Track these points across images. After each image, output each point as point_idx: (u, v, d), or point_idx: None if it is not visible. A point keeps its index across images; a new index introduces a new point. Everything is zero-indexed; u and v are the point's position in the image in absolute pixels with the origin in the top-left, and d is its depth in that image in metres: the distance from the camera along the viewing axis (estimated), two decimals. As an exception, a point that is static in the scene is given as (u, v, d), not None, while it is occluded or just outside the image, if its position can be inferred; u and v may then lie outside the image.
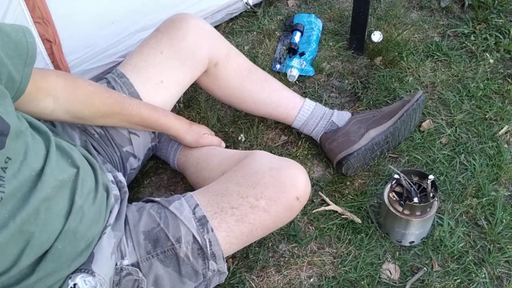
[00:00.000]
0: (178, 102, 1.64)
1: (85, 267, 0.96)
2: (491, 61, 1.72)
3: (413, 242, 1.32)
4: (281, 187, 1.10)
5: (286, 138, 1.57)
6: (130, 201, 1.17)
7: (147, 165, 1.53)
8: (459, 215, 1.37)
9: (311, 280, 1.29)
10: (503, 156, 1.47)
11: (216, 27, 1.82)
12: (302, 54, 1.73)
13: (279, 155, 1.32)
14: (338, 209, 1.39)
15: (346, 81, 1.72)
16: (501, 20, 1.83)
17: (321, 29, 1.86)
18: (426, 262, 1.30)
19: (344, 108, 1.62)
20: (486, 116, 1.58)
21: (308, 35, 1.80)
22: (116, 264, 1.02)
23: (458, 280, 1.26)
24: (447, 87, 1.67)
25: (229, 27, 1.90)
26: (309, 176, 1.45)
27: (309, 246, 1.34)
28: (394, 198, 1.27)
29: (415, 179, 1.29)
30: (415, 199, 1.23)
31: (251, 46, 1.84)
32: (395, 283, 1.27)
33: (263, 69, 1.49)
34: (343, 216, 1.38)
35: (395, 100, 1.62)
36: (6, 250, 0.84)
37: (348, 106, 1.65)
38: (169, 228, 1.06)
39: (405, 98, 1.51)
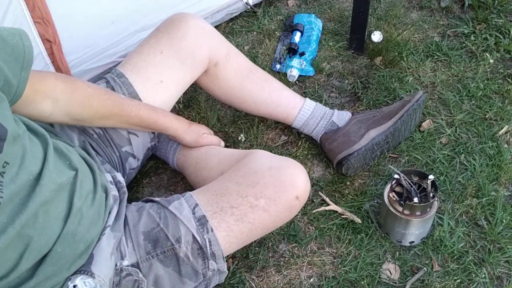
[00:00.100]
0: (178, 102, 1.64)
1: (85, 269, 0.96)
2: (491, 61, 1.72)
3: (413, 242, 1.32)
4: (280, 187, 1.10)
5: (286, 138, 1.57)
6: (130, 201, 1.17)
7: (147, 165, 1.53)
8: (459, 215, 1.37)
9: (311, 280, 1.29)
10: (503, 156, 1.47)
11: (216, 27, 1.82)
12: (302, 54, 1.73)
13: (279, 155, 1.32)
14: (338, 209, 1.39)
15: (346, 81, 1.72)
16: (501, 20, 1.83)
17: (321, 29, 1.86)
18: (426, 262, 1.30)
19: (344, 108, 1.62)
20: (486, 116, 1.58)
21: (308, 35, 1.80)
22: (116, 265, 1.02)
23: (458, 280, 1.26)
24: (447, 87, 1.67)
25: (229, 27, 1.90)
26: (309, 176, 1.45)
27: (309, 246, 1.34)
28: (394, 198, 1.27)
29: (415, 179, 1.29)
30: (415, 199, 1.23)
31: (251, 46, 1.84)
32: (395, 283, 1.27)
33: (263, 69, 1.49)
34: (343, 216, 1.38)
35: (395, 100, 1.62)
36: (5, 255, 0.84)
37: (348, 106, 1.65)
38: (169, 228, 1.06)
39: (405, 98, 1.51)
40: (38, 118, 1.05)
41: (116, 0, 1.57)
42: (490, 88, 1.64)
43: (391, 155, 1.51)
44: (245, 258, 1.33)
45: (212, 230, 1.07)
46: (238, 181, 1.11)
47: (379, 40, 1.77)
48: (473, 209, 1.38)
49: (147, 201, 1.16)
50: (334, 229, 1.37)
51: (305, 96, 1.51)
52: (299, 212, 1.39)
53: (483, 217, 1.37)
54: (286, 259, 1.32)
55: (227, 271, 1.12)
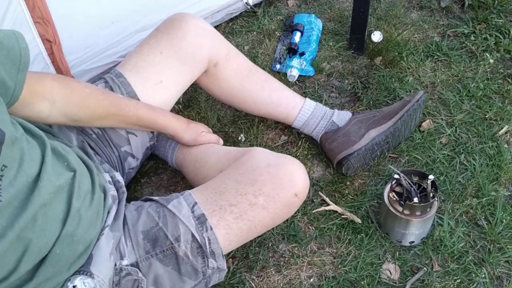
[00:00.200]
0: (178, 102, 1.64)
1: (84, 269, 0.96)
2: (491, 61, 1.72)
3: (413, 242, 1.32)
4: (279, 184, 1.10)
5: (286, 138, 1.57)
6: (129, 200, 1.17)
7: (147, 165, 1.53)
8: (459, 215, 1.37)
9: (311, 280, 1.29)
10: (503, 156, 1.47)
11: (216, 27, 1.82)
12: (302, 54, 1.73)
13: (277, 153, 1.31)
14: (338, 209, 1.39)
15: (346, 81, 1.72)
16: (501, 20, 1.83)
17: (321, 29, 1.86)
18: (426, 262, 1.30)
19: (344, 108, 1.62)
20: (486, 116, 1.58)
21: (308, 35, 1.80)
22: (116, 265, 1.02)
23: (458, 280, 1.26)
24: (447, 87, 1.67)
25: (229, 27, 1.90)
26: (309, 176, 1.45)
27: (309, 246, 1.34)
28: (394, 198, 1.27)
29: (415, 179, 1.29)
30: (415, 199, 1.23)
31: (251, 46, 1.84)
32: (395, 283, 1.27)
33: (263, 69, 1.49)
34: (343, 216, 1.38)
35: (395, 100, 1.62)
36: (5, 258, 0.84)
37: (348, 106, 1.65)
38: (168, 227, 1.06)
39: (405, 98, 1.51)
40: (36, 119, 1.05)
41: (116, 0, 1.57)
42: (490, 88, 1.64)
43: (391, 155, 1.51)
44: (245, 258, 1.33)
45: (211, 229, 1.07)
46: (236, 179, 1.11)
47: (379, 40, 1.77)
48: (473, 209, 1.38)
49: (146, 200, 1.16)
50: (334, 229, 1.37)
51: (305, 96, 1.51)
52: (299, 212, 1.39)
53: (483, 217, 1.37)
54: (286, 259, 1.32)
55: (226, 269, 1.12)
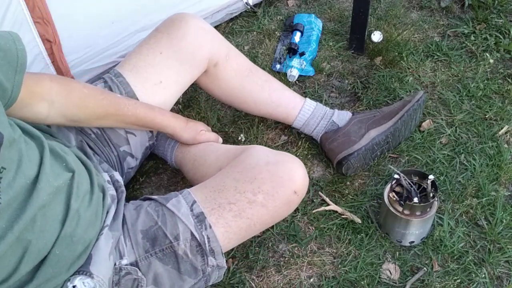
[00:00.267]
0: (177, 102, 1.64)
1: (84, 269, 0.96)
2: (491, 61, 1.72)
3: (413, 242, 1.32)
4: (278, 182, 1.10)
5: (286, 138, 1.57)
6: (129, 200, 1.17)
7: (147, 164, 1.53)
8: (459, 215, 1.37)
9: (311, 280, 1.29)
10: (503, 156, 1.47)
11: (216, 27, 1.82)
12: (302, 54, 1.73)
13: (276, 150, 1.31)
14: (338, 209, 1.39)
15: (346, 81, 1.72)
16: (501, 20, 1.83)
17: (321, 29, 1.86)
18: (426, 262, 1.30)
19: (344, 108, 1.62)
20: (486, 116, 1.58)
21: (308, 35, 1.80)
22: (115, 264, 1.02)
23: (458, 280, 1.26)
24: (447, 87, 1.67)
25: (229, 27, 1.90)
26: (309, 176, 1.45)
27: (309, 246, 1.34)
28: (394, 198, 1.27)
29: (415, 179, 1.29)
30: (415, 199, 1.23)
31: (251, 46, 1.84)
32: (395, 283, 1.27)
33: (263, 69, 1.49)
34: (343, 216, 1.38)
35: (395, 100, 1.62)
36: (5, 259, 0.84)
37: (348, 106, 1.65)
38: (167, 226, 1.06)
39: (405, 98, 1.51)
40: (34, 120, 1.05)
41: (116, 0, 1.57)
42: (490, 88, 1.64)
43: (391, 155, 1.51)
44: (245, 258, 1.33)
45: (210, 227, 1.07)
46: (235, 177, 1.11)
47: (379, 40, 1.77)
48: (473, 209, 1.38)
49: (145, 199, 1.16)
50: (334, 229, 1.37)
51: (305, 96, 1.51)
52: (299, 212, 1.39)
53: (483, 217, 1.37)
54: (286, 259, 1.32)
55: (226, 267, 1.12)
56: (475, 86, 1.65)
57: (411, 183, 1.27)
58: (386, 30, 1.82)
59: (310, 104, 1.46)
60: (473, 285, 1.25)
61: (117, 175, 1.18)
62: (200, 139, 1.36)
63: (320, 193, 1.44)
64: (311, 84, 1.72)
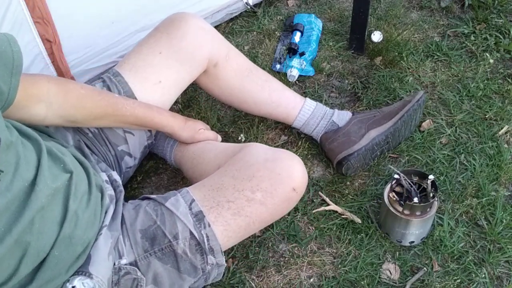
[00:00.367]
0: (177, 102, 1.64)
1: (83, 270, 0.96)
2: (491, 61, 1.72)
3: (413, 242, 1.32)
4: (277, 179, 1.09)
5: (286, 138, 1.57)
6: (128, 200, 1.17)
7: (147, 164, 1.53)
8: (459, 215, 1.37)
9: (311, 280, 1.29)
10: (503, 156, 1.47)
11: (216, 27, 1.82)
12: (302, 54, 1.73)
13: (275, 147, 1.31)
14: (338, 209, 1.39)
15: (346, 81, 1.72)
16: (501, 20, 1.83)
17: (321, 29, 1.86)
18: (426, 262, 1.30)
19: (344, 108, 1.62)
20: (486, 116, 1.58)
21: (308, 35, 1.80)
22: (114, 264, 1.02)
23: (458, 280, 1.25)
24: (447, 87, 1.67)
25: (229, 27, 1.90)
26: (309, 176, 1.45)
27: (309, 246, 1.34)
28: (394, 198, 1.27)
29: (415, 179, 1.29)
30: (415, 199, 1.23)
31: (251, 46, 1.84)
32: (395, 283, 1.27)
33: (263, 69, 1.49)
34: (343, 216, 1.38)
35: (395, 100, 1.62)
36: (4, 262, 0.84)
37: (348, 106, 1.65)
38: (166, 225, 1.06)
39: (406, 98, 1.51)
40: (32, 122, 1.04)
41: (116, 0, 1.57)
42: (490, 88, 1.64)
43: (391, 155, 1.51)
44: (245, 258, 1.33)
45: (209, 225, 1.06)
46: (234, 175, 1.11)
47: (379, 40, 1.77)
48: (473, 209, 1.38)
49: (143, 198, 1.16)
50: (334, 229, 1.37)
51: (305, 96, 1.51)
52: (299, 212, 1.39)
53: (483, 217, 1.37)
54: (286, 259, 1.32)
55: (225, 265, 1.12)
56: (475, 86, 1.65)
57: (411, 183, 1.27)
58: (386, 30, 1.82)
59: (310, 104, 1.46)
60: (473, 285, 1.25)
61: (115, 175, 1.18)
62: (199, 138, 1.35)
63: (320, 193, 1.44)
64: (311, 84, 1.72)
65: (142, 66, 1.26)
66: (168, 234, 1.05)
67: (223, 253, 1.09)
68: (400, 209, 1.26)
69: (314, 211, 1.40)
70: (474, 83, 1.66)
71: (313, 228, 1.38)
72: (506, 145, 1.51)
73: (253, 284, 1.28)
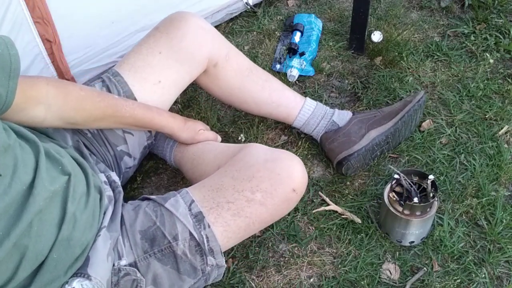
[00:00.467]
0: (176, 102, 1.64)
1: (82, 271, 0.96)
2: (491, 61, 1.72)
3: (413, 242, 1.32)
4: (276, 180, 1.09)
5: (286, 138, 1.57)
6: (128, 200, 1.17)
7: (147, 164, 1.53)
8: (459, 215, 1.37)
9: (311, 280, 1.29)
10: (503, 156, 1.47)
11: (216, 27, 1.81)
12: (302, 54, 1.73)
13: (274, 148, 1.31)
14: (338, 209, 1.39)
15: (346, 81, 1.72)
16: (501, 20, 1.83)
17: (321, 29, 1.86)
18: (426, 262, 1.30)
19: (344, 108, 1.62)
20: (486, 116, 1.58)
21: (308, 35, 1.80)
22: (114, 265, 1.02)
23: (458, 280, 1.25)
24: (447, 87, 1.67)
25: (229, 27, 1.90)
26: (309, 176, 1.45)
27: (309, 246, 1.34)
28: (394, 198, 1.27)
29: (415, 179, 1.29)
30: (415, 199, 1.23)
31: (251, 46, 1.84)
32: (395, 283, 1.27)
33: (263, 69, 1.49)
34: (343, 216, 1.38)
35: (395, 100, 1.62)
36: (2, 266, 0.84)
37: (348, 106, 1.65)
38: (166, 226, 1.05)
39: (406, 98, 1.50)
40: (30, 124, 1.04)
41: (116, 0, 1.57)
42: (490, 88, 1.64)
43: (391, 155, 1.51)
44: (245, 258, 1.33)
45: (209, 226, 1.06)
46: (233, 176, 1.11)
47: (379, 40, 1.77)
48: (473, 209, 1.38)
49: (143, 199, 1.15)
50: (334, 229, 1.37)
51: (305, 96, 1.51)
52: (299, 212, 1.39)
53: (483, 217, 1.37)
54: (286, 259, 1.32)
55: (225, 266, 1.12)
56: (475, 86, 1.65)
57: (411, 183, 1.27)
58: (386, 30, 1.82)
59: (310, 104, 1.46)
60: (473, 285, 1.25)
61: (114, 176, 1.18)
62: (198, 139, 1.35)
63: (320, 193, 1.44)
64: (311, 84, 1.72)
65: (141, 66, 1.25)
66: (167, 235, 1.05)
67: (223, 254, 1.09)
68: (400, 209, 1.26)
69: (314, 211, 1.40)
70: (474, 83, 1.66)
71: (313, 228, 1.38)
72: (506, 145, 1.51)
73: (253, 284, 1.28)
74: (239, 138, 1.57)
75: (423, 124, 1.56)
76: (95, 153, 1.23)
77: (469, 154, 1.49)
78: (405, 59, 1.73)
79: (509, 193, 1.42)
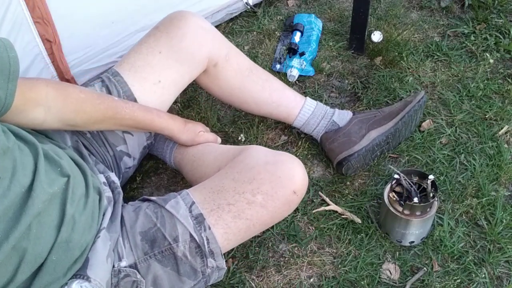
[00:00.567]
0: (176, 102, 1.64)
1: (81, 273, 0.96)
2: (491, 61, 1.72)
3: (413, 242, 1.32)
4: (277, 182, 1.09)
5: (286, 138, 1.57)
6: (128, 200, 1.17)
7: (147, 164, 1.53)
8: (459, 215, 1.37)
9: (311, 280, 1.29)
10: (503, 156, 1.47)
11: (216, 27, 1.81)
12: (302, 54, 1.73)
13: (275, 150, 1.31)
14: (338, 209, 1.39)
15: (346, 81, 1.72)
16: (501, 20, 1.83)
17: (321, 29, 1.86)
18: (426, 262, 1.30)
19: (344, 108, 1.62)
20: (486, 116, 1.58)
21: (308, 35, 1.80)
22: (114, 266, 1.02)
23: (458, 280, 1.25)
24: (447, 87, 1.67)
25: (229, 27, 1.90)
26: (309, 176, 1.45)
27: (309, 246, 1.34)
28: (394, 198, 1.27)
29: (415, 179, 1.29)
30: (415, 199, 1.23)
31: (251, 46, 1.84)
32: (395, 283, 1.27)
33: (263, 69, 1.48)
34: (343, 216, 1.38)
35: (395, 100, 1.62)
36: (1, 269, 0.84)
37: (348, 106, 1.65)
38: (166, 228, 1.05)
39: (406, 98, 1.50)
40: (30, 126, 1.03)
41: (116, 0, 1.57)
42: (490, 88, 1.64)
43: (391, 155, 1.51)
44: (245, 258, 1.33)
45: (209, 228, 1.06)
46: (234, 178, 1.11)
47: (379, 40, 1.77)
48: (473, 209, 1.38)
49: (144, 200, 1.15)
50: (334, 229, 1.37)
51: (305, 96, 1.51)
52: (299, 212, 1.39)
53: (483, 217, 1.37)
54: (286, 259, 1.32)
55: (226, 268, 1.12)
56: (475, 86, 1.65)
57: (411, 183, 1.27)
58: (386, 30, 1.82)
59: (310, 104, 1.46)
60: (473, 285, 1.25)
61: (113, 176, 1.17)
62: (198, 141, 1.35)
63: (320, 193, 1.44)
64: (311, 84, 1.72)
65: (141, 65, 1.25)
66: (168, 237, 1.05)
67: (223, 256, 1.09)
68: (400, 209, 1.26)
69: (314, 211, 1.40)
70: (474, 83, 1.66)
71: (313, 228, 1.38)
72: (506, 145, 1.51)
73: (253, 284, 1.28)
74: (239, 138, 1.57)
75: (423, 124, 1.56)
76: (95, 154, 1.23)
77: (469, 154, 1.49)
78: (405, 59, 1.73)
79: (509, 193, 1.42)
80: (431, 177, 1.25)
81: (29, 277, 0.89)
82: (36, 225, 0.87)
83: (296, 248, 1.34)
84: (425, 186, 1.27)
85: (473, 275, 1.26)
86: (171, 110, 1.34)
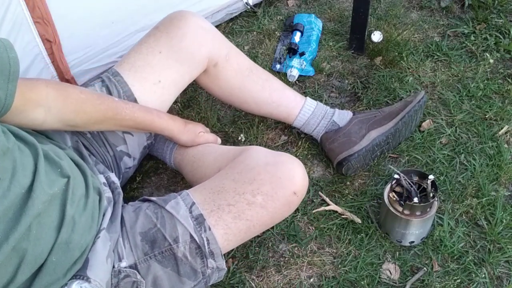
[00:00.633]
0: (176, 102, 1.64)
1: (81, 273, 0.96)
2: (491, 61, 1.72)
3: (413, 242, 1.32)
4: (277, 183, 1.09)
5: (286, 138, 1.57)
6: (128, 200, 1.17)
7: (147, 164, 1.53)
8: (459, 215, 1.37)
9: (311, 280, 1.29)
10: (503, 156, 1.47)
11: (216, 27, 1.81)
12: (302, 54, 1.73)
13: (275, 151, 1.31)
14: (338, 209, 1.39)
15: (346, 81, 1.72)
16: (501, 20, 1.83)
17: (321, 29, 1.86)
18: (426, 262, 1.30)
19: (344, 108, 1.62)
20: (486, 116, 1.58)
21: (308, 35, 1.80)
22: (114, 267, 1.02)
23: (458, 280, 1.25)
24: (447, 87, 1.67)
25: (229, 27, 1.90)
26: (309, 176, 1.45)
27: (309, 246, 1.34)
28: (394, 198, 1.27)
29: (415, 179, 1.29)
30: (415, 199, 1.23)
31: (251, 46, 1.84)
32: (395, 283, 1.27)
33: (263, 69, 1.48)
34: (343, 216, 1.38)
35: (395, 100, 1.62)
36: (1, 269, 0.84)
37: (348, 106, 1.65)
38: (166, 228, 1.05)
39: (407, 98, 1.50)
40: (30, 126, 1.03)
41: (116, 0, 1.57)
42: (490, 88, 1.64)
43: (391, 155, 1.51)
44: (245, 258, 1.33)
45: (209, 229, 1.06)
46: (234, 178, 1.11)
47: (379, 40, 1.77)
48: (473, 209, 1.38)
49: (144, 200, 1.15)
50: (334, 229, 1.37)
51: (305, 96, 1.51)
52: (299, 212, 1.39)
53: (483, 217, 1.37)
54: (286, 259, 1.32)
55: (226, 268, 1.12)
56: (475, 86, 1.65)
57: (411, 183, 1.27)
58: (386, 30, 1.82)
59: (310, 104, 1.46)
60: (473, 285, 1.25)
61: (113, 176, 1.17)
62: (198, 141, 1.35)
63: (320, 193, 1.44)
64: (311, 84, 1.72)
65: (141, 65, 1.25)
66: (168, 237, 1.05)
67: (223, 257, 1.09)
68: (400, 209, 1.26)
69: (314, 211, 1.40)
70: (474, 83, 1.66)
71: (313, 228, 1.38)
72: (506, 145, 1.51)
73: (253, 284, 1.28)
74: (239, 138, 1.57)
75: (423, 124, 1.56)
76: (95, 154, 1.23)
77: (469, 154, 1.49)
78: (405, 59, 1.73)
79: (509, 193, 1.42)
80: (431, 177, 1.25)
81: (29, 278, 0.89)
82: (36, 226, 0.87)
83: (296, 248, 1.34)
84: (425, 186, 1.27)
85: (473, 275, 1.26)
86: (171, 110, 1.34)
